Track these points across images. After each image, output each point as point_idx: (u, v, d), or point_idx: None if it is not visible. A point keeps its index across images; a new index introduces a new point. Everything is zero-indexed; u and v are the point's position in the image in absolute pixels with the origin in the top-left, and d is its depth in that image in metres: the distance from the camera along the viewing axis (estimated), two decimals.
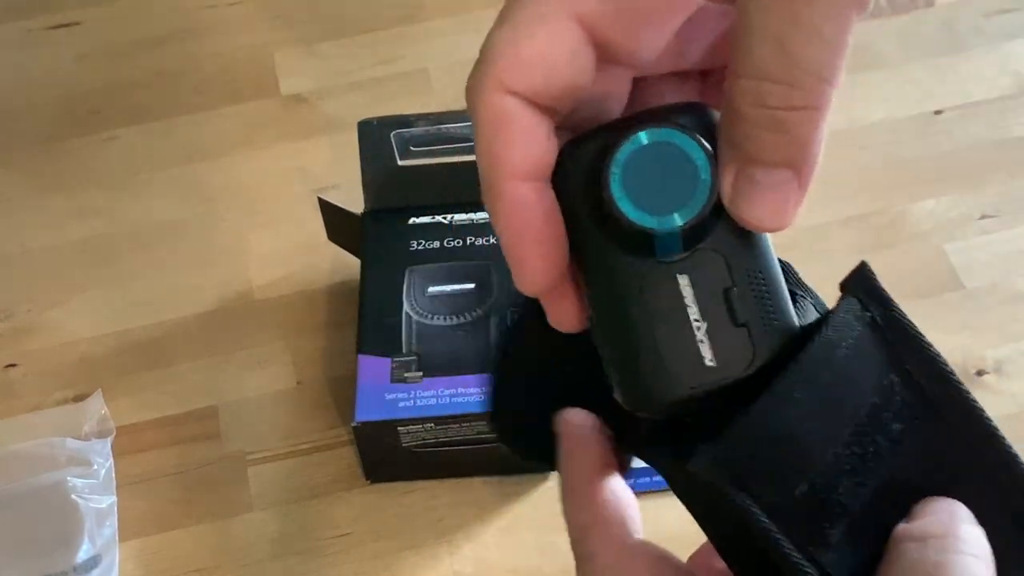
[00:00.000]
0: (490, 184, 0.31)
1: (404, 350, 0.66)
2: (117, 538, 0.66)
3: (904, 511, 0.32)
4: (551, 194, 0.31)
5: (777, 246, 0.34)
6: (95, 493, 0.66)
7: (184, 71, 0.89)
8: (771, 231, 0.31)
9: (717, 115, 0.31)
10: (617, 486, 0.35)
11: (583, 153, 0.31)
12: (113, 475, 0.68)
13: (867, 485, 0.31)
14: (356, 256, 0.73)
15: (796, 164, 0.29)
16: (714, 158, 0.30)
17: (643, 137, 0.30)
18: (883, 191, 0.78)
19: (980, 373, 0.70)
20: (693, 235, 0.30)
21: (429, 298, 0.68)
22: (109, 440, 0.69)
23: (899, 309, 0.32)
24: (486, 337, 0.67)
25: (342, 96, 0.86)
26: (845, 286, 0.32)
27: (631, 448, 0.36)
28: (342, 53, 0.88)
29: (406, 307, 0.68)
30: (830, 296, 0.34)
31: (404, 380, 0.65)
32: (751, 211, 0.30)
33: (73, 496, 0.65)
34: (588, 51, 0.30)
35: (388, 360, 0.66)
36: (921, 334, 0.32)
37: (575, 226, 0.31)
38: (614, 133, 0.30)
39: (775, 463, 0.31)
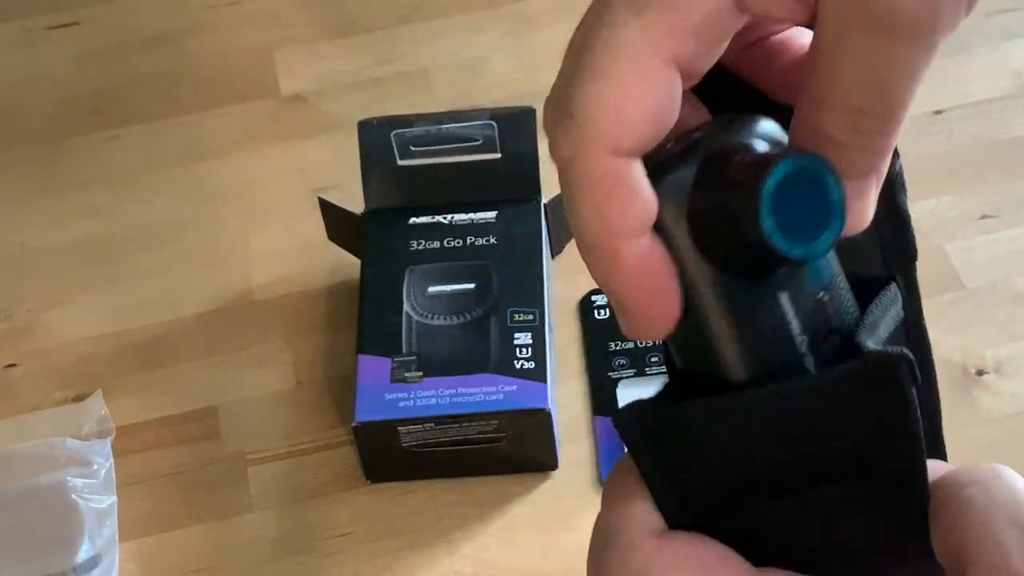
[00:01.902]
0: (603, 248, 0.29)
1: (404, 350, 0.66)
2: (117, 538, 0.66)
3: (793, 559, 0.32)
4: (659, 240, 0.30)
5: None
6: (95, 493, 0.66)
7: (184, 71, 0.89)
8: (857, 232, 0.31)
9: (771, 123, 0.31)
10: None
11: (679, 178, 0.30)
12: (113, 475, 0.67)
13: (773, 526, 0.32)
14: (356, 256, 0.73)
15: (880, 170, 0.30)
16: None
17: (786, 165, 0.29)
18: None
19: (980, 373, 0.70)
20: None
21: (429, 298, 0.68)
22: (109, 440, 0.69)
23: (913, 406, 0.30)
24: (486, 337, 0.67)
25: (342, 96, 0.86)
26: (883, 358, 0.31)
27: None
28: (342, 53, 0.88)
29: (406, 307, 0.68)
30: None
31: (404, 380, 0.65)
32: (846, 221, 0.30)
33: (73, 496, 0.65)
34: (680, 89, 0.29)
35: (388, 360, 0.66)
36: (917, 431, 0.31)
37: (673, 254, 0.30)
38: (711, 151, 0.30)
39: (698, 454, 0.32)
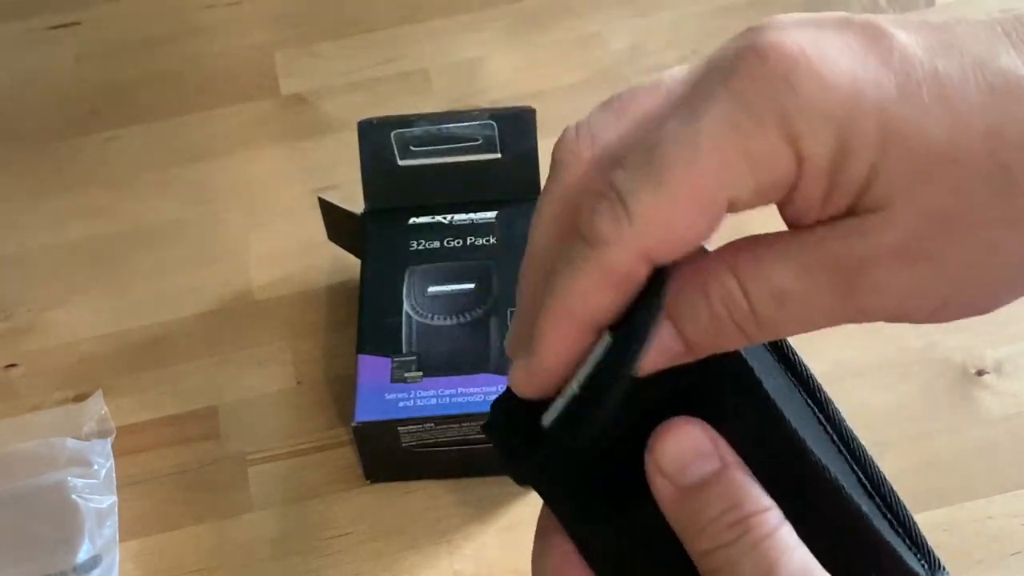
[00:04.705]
0: (564, 312, 0.31)
1: (404, 350, 0.66)
2: (117, 538, 0.66)
3: None
4: None
5: None
6: (95, 493, 0.66)
7: (184, 71, 0.89)
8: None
9: None
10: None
11: None
12: (113, 475, 0.68)
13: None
14: (356, 256, 0.73)
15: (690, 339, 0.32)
16: None
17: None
18: None
19: (980, 373, 0.70)
20: None
21: (429, 298, 0.68)
22: (109, 440, 0.69)
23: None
24: (486, 337, 0.67)
25: (342, 96, 0.86)
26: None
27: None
28: (342, 53, 0.88)
29: (406, 307, 0.68)
30: None
31: (404, 380, 0.65)
32: None
33: (73, 496, 0.65)
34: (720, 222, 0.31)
35: (388, 360, 0.66)
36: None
37: None
38: None
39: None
